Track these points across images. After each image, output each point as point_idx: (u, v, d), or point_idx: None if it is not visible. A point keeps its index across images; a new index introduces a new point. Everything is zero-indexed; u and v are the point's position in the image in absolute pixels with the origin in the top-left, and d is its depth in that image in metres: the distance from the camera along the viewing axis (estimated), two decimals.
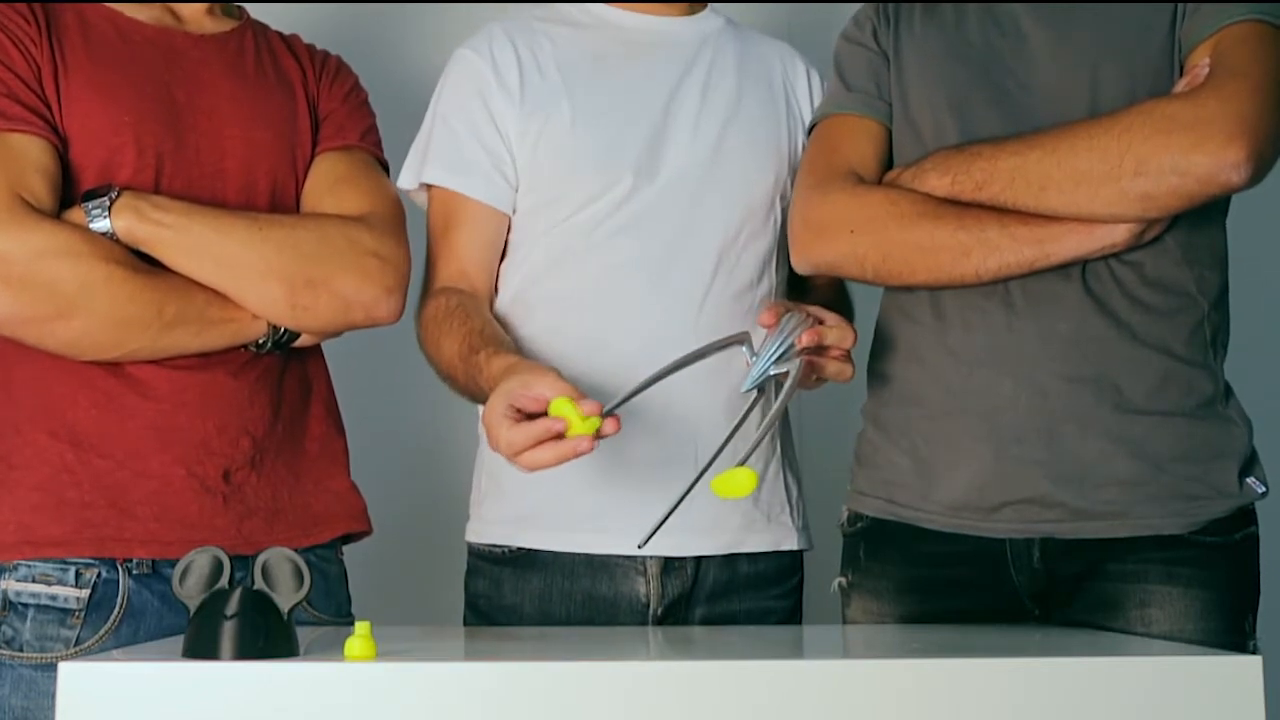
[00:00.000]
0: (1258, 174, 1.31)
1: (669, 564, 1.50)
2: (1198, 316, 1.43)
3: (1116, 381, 1.40)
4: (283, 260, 1.39)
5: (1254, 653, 1.28)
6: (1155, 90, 1.40)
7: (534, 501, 1.52)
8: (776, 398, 1.32)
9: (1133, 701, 1.02)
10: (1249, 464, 1.42)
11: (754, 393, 1.35)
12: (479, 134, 1.55)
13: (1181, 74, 1.40)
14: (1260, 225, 1.74)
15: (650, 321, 1.50)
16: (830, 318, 1.41)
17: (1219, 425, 1.42)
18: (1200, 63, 1.36)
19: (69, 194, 1.37)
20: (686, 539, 1.45)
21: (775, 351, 1.34)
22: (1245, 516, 1.42)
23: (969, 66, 1.48)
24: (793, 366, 1.32)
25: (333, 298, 1.42)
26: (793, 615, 1.59)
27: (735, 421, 1.31)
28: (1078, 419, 1.40)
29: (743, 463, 1.21)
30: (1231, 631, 1.38)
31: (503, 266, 1.59)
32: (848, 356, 1.42)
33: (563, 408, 1.18)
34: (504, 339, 1.47)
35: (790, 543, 1.58)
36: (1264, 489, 1.42)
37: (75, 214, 1.34)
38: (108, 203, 1.34)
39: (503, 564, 1.54)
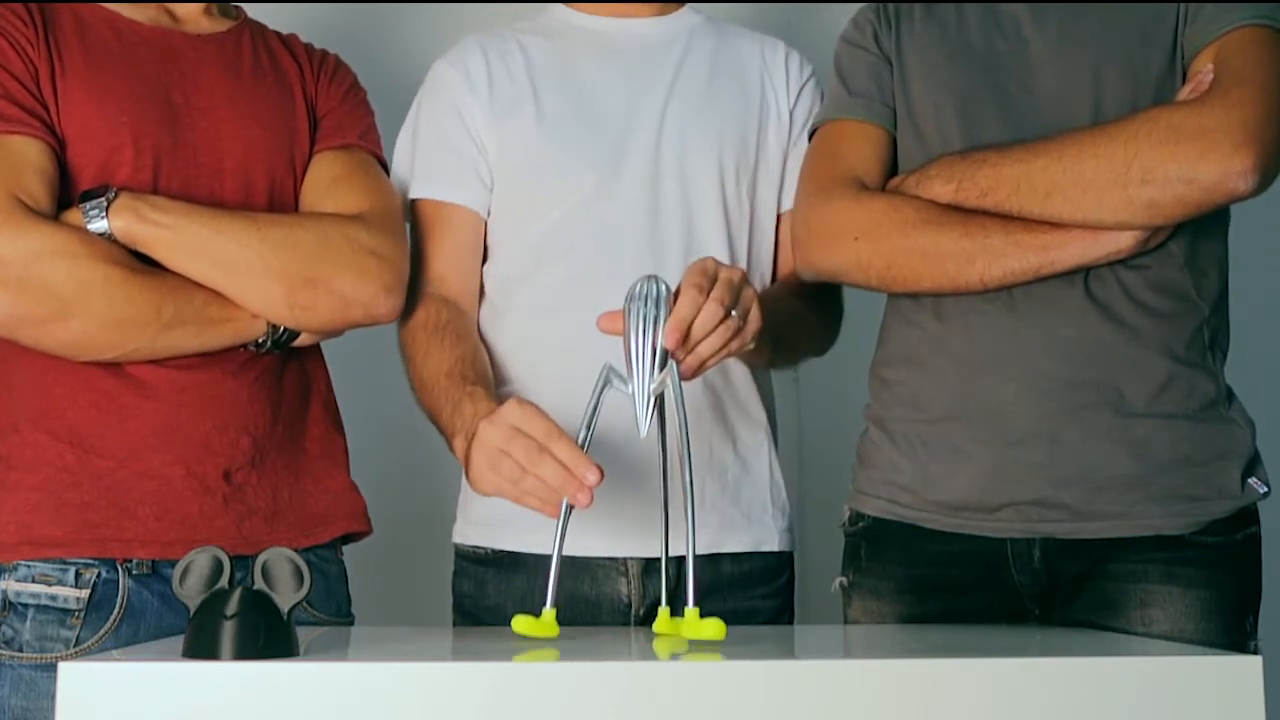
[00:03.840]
0: (1264, 182, 1.31)
1: (650, 565, 1.50)
2: (1198, 320, 1.43)
3: (1118, 384, 1.40)
4: (281, 259, 1.39)
5: (1255, 653, 1.28)
6: (1159, 94, 1.40)
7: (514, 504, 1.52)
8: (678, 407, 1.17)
9: (1133, 701, 1.02)
10: (1251, 465, 1.42)
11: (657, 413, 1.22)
12: (451, 139, 1.57)
13: (1185, 79, 1.40)
14: (1262, 227, 1.74)
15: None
16: (684, 298, 1.22)
17: (1221, 426, 1.42)
18: (1204, 68, 1.37)
19: (67, 195, 1.37)
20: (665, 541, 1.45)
21: (643, 364, 1.19)
22: (1247, 517, 1.42)
23: (971, 69, 1.48)
24: (669, 372, 1.18)
25: (332, 297, 1.42)
26: (780, 615, 1.58)
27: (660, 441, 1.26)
28: (1080, 422, 1.40)
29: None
30: (1232, 631, 1.38)
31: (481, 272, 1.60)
32: (731, 316, 1.25)
33: (521, 624, 1.15)
34: (490, 379, 1.46)
35: (771, 543, 1.57)
36: (1266, 489, 1.42)
37: (73, 215, 1.34)
38: (105, 203, 1.34)
39: (486, 565, 1.54)
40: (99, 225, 1.33)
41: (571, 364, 1.46)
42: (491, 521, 1.53)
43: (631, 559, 1.50)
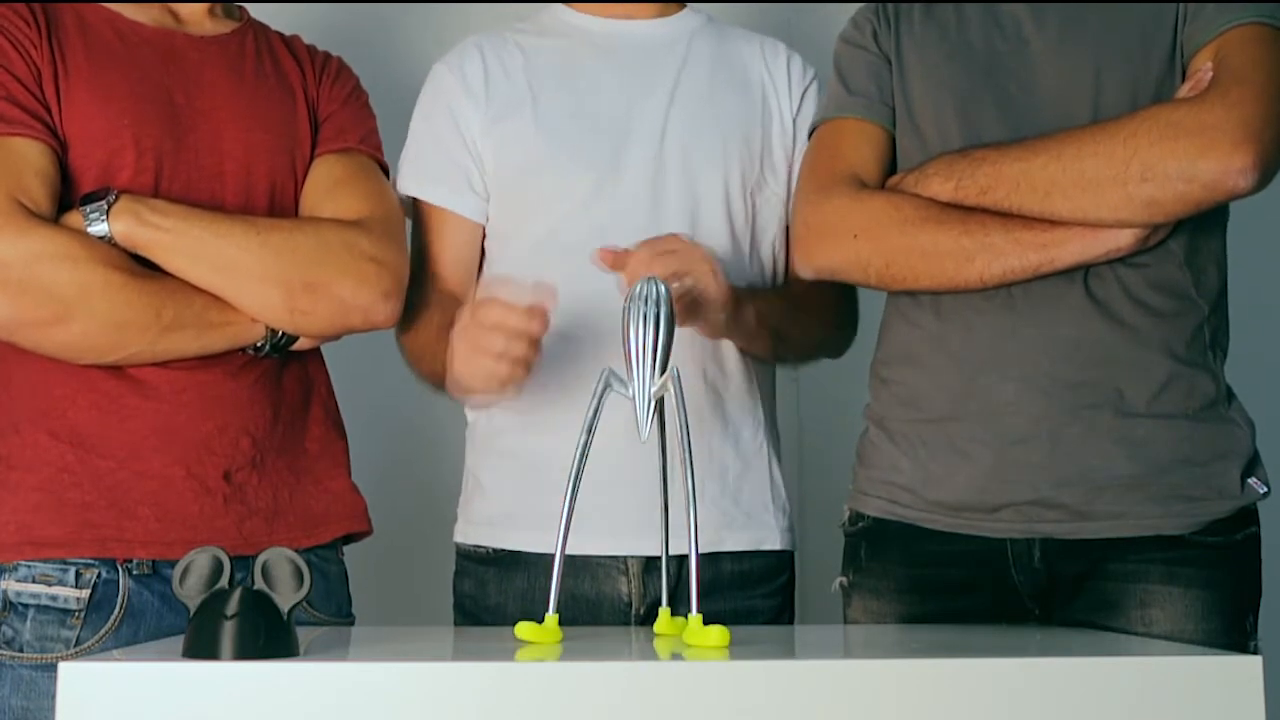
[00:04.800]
0: (1264, 179, 1.31)
1: (651, 563, 1.50)
2: (1198, 319, 1.43)
3: (1118, 384, 1.40)
4: (281, 264, 1.39)
5: (1254, 653, 1.28)
6: (1158, 93, 1.40)
7: (513, 501, 1.53)
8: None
9: (1133, 701, 1.02)
10: (1251, 465, 1.42)
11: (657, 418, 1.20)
12: (446, 146, 1.58)
13: (1184, 78, 1.40)
14: (1261, 226, 1.74)
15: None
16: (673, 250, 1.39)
17: (1221, 426, 1.42)
18: (1203, 66, 1.36)
19: (69, 197, 1.37)
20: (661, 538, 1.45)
21: (643, 367, 1.16)
22: (1247, 517, 1.42)
23: (971, 69, 1.48)
24: (670, 375, 1.16)
25: (330, 302, 1.42)
26: (780, 615, 1.58)
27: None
28: (1080, 421, 1.40)
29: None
30: (1232, 631, 1.38)
31: (481, 278, 1.61)
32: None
33: (525, 630, 1.14)
34: None
35: (772, 542, 1.57)
36: (1266, 489, 1.42)
37: (73, 218, 1.34)
38: (105, 206, 1.34)
39: (487, 564, 1.55)
40: (99, 228, 1.33)
41: (570, 364, 1.46)
42: (492, 520, 1.53)
43: (632, 557, 1.50)
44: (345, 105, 1.57)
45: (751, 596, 1.55)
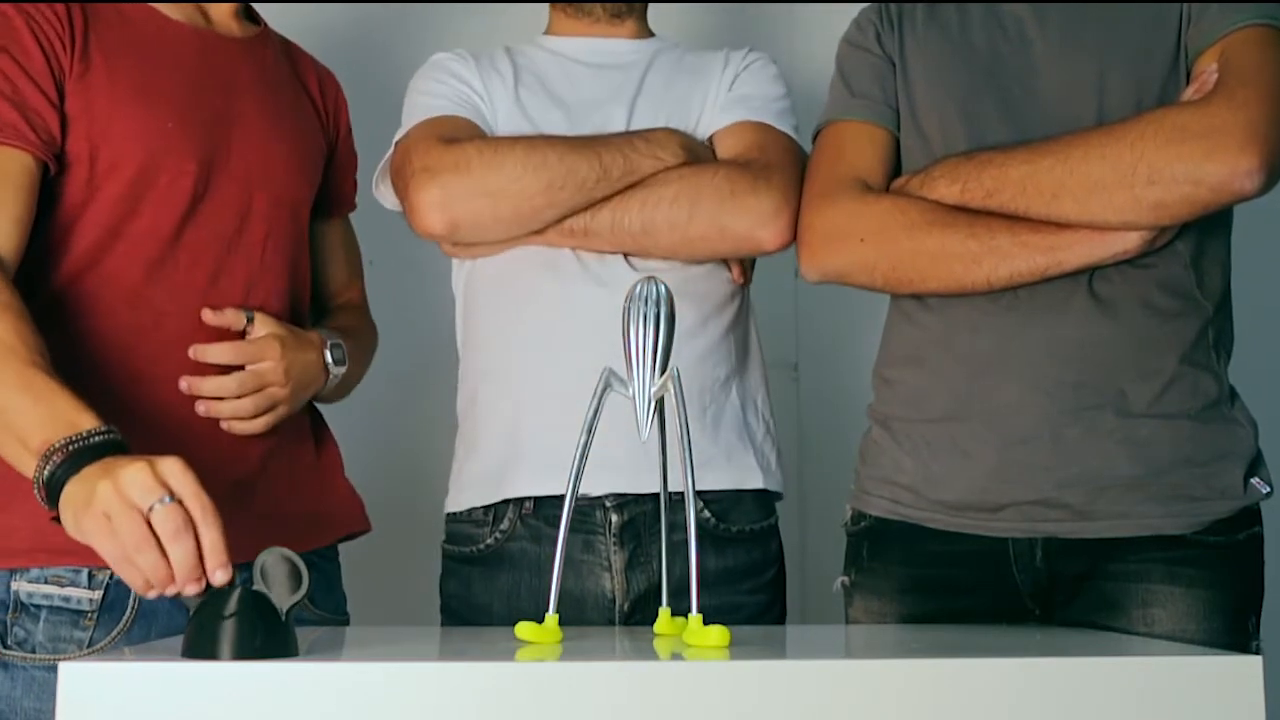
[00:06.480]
0: (1270, 182, 1.31)
1: (633, 558, 1.51)
2: (1202, 320, 1.43)
3: (1121, 385, 1.40)
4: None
5: (1256, 653, 1.28)
6: (1162, 95, 1.40)
7: (509, 451, 1.54)
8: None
9: (1133, 701, 1.02)
10: (1254, 465, 1.42)
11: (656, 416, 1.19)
12: (460, 90, 1.61)
13: (1189, 80, 1.40)
14: (1265, 227, 1.73)
15: (586, 342, 1.49)
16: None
17: (1223, 427, 1.42)
18: (1208, 69, 1.37)
19: (91, 195, 1.37)
20: (642, 477, 1.45)
21: (644, 367, 1.16)
22: (1250, 517, 1.42)
23: (974, 71, 1.48)
24: (670, 374, 1.16)
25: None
26: (768, 609, 1.58)
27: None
28: (1082, 422, 1.40)
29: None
30: (1234, 631, 1.37)
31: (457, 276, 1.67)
32: None
33: (526, 630, 1.14)
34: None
35: (754, 480, 1.57)
36: (1268, 489, 1.42)
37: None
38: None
39: (472, 563, 1.56)
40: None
41: (550, 351, 1.52)
42: (486, 475, 1.55)
43: (615, 554, 1.51)
44: (346, 141, 1.64)
45: (738, 592, 1.55)
